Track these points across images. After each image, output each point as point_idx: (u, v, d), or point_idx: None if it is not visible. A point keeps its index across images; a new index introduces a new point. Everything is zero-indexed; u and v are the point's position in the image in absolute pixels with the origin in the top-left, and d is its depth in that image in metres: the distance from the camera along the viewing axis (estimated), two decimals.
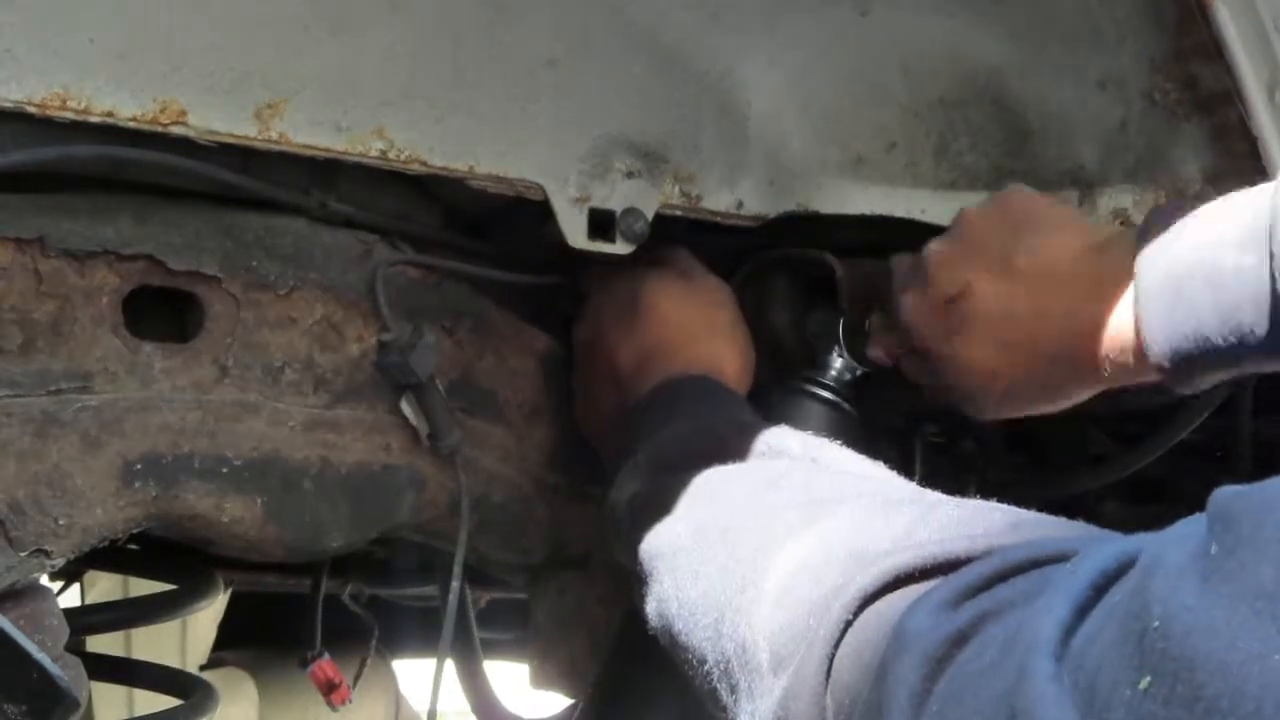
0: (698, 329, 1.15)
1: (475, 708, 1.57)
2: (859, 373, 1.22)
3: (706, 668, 0.82)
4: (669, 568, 0.90)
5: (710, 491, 0.93)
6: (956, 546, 0.65)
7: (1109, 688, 0.46)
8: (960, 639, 0.57)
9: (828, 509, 0.80)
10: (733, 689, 0.78)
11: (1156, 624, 0.44)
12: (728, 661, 0.79)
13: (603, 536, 1.08)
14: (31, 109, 0.92)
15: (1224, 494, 0.47)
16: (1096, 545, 0.54)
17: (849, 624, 0.66)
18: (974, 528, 0.68)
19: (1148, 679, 0.44)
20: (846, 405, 1.20)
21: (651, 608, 0.93)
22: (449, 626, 1.15)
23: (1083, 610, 0.51)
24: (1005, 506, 0.72)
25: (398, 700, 2.25)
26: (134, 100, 0.95)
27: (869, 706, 0.61)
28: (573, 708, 1.33)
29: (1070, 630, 0.50)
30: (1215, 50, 0.93)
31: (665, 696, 1.14)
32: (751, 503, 0.88)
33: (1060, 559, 0.57)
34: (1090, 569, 0.52)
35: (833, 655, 0.66)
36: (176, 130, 0.97)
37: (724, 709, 0.80)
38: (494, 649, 1.88)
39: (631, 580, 0.99)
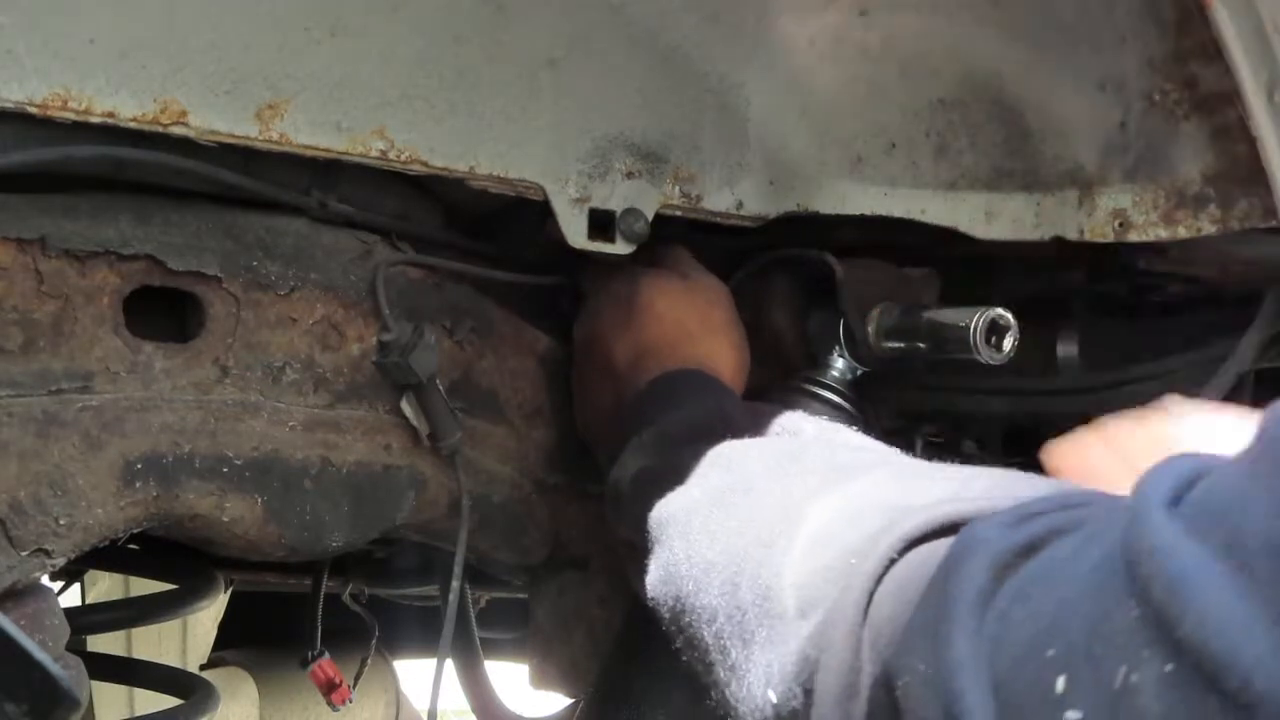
0: (693, 327, 1.15)
1: (475, 708, 1.58)
2: (859, 373, 1.22)
3: (716, 625, 0.81)
4: (681, 531, 0.89)
5: (726, 461, 0.92)
6: (1004, 504, 0.63)
7: (1239, 508, 0.44)
8: (1030, 549, 0.55)
9: (859, 471, 0.79)
10: (745, 641, 0.77)
11: None
12: (743, 613, 0.78)
13: (609, 536, 1.08)
14: (33, 109, 0.92)
15: None
16: (1175, 459, 0.52)
17: (893, 561, 0.64)
18: (1019, 491, 0.66)
19: None
20: (847, 405, 1.20)
21: (655, 575, 0.92)
22: (449, 626, 1.15)
23: (1184, 487, 0.49)
24: (1050, 479, 0.71)
25: (398, 700, 2.25)
26: (135, 101, 0.95)
27: (922, 609, 0.59)
28: (573, 708, 1.34)
29: (1175, 501, 0.48)
30: (1215, 50, 0.93)
31: (665, 696, 1.14)
32: (773, 469, 0.87)
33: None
34: (1181, 468, 0.51)
35: (873, 590, 0.64)
36: (177, 130, 0.97)
37: (730, 667, 0.79)
38: (494, 649, 1.88)
39: (629, 557, 0.98)
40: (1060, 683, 0.48)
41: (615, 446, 1.07)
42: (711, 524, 0.86)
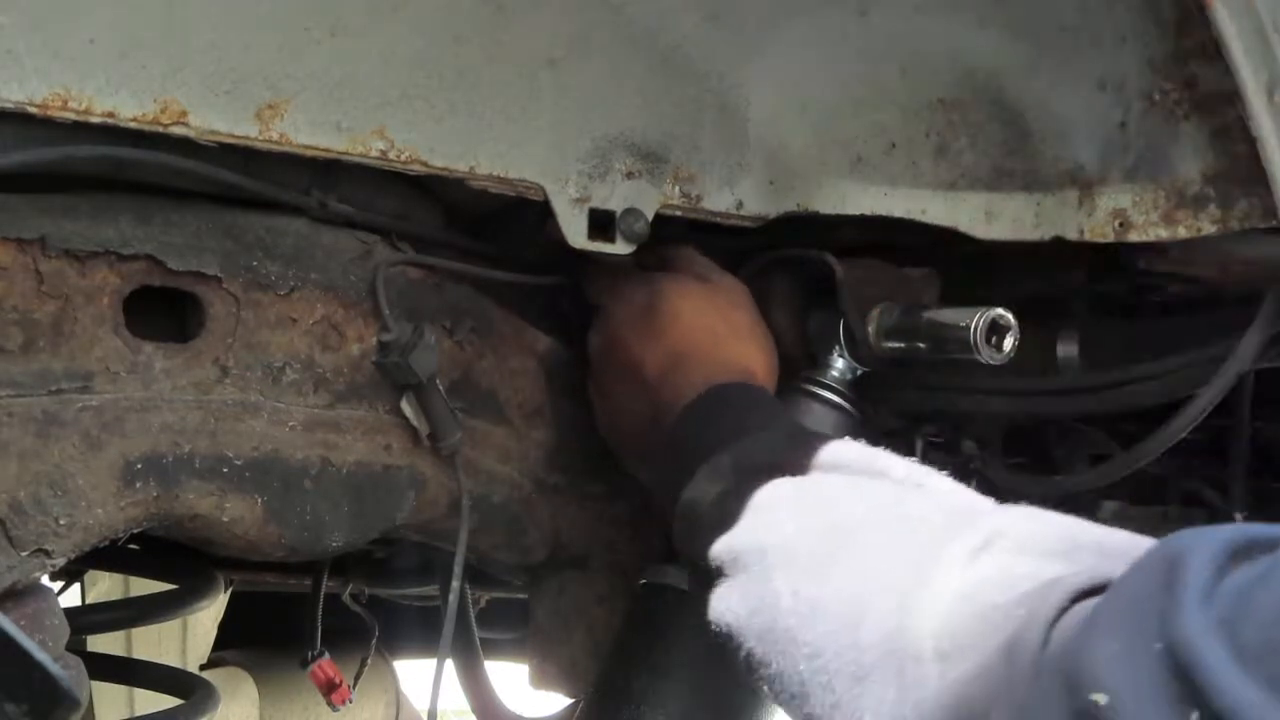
0: (721, 331, 1.14)
1: (475, 708, 1.58)
2: (859, 373, 1.22)
3: (820, 661, 0.81)
4: (781, 564, 0.88)
5: (821, 499, 0.92)
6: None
7: None
8: (1239, 555, 0.57)
9: (986, 517, 0.79)
10: (858, 679, 0.77)
11: None
12: (862, 652, 0.78)
13: (609, 537, 1.07)
14: (33, 109, 0.92)
15: None
16: None
17: (1065, 609, 0.65)
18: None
19: None
20: (848, 405, 1.20)
21: (741, 604, 0.91)
22: (449, 626, 1.15)
23: None
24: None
25: (398, 700, 2.25)
26: (135, 101, 0.95)
27: (1132, 602, 0.59)
28: (573, 708, 1.34)
29: None
30: (1215, 51, 0.93)
31: (665, 696, 1.14)
32: (882, 512, 0.87)
33: None
34: None
35: (1048, 634, 0.64)
36: (177, 131, 0.97)
37: (833, 705, 0.79)
38: (494, 649, 1.88)
39: (697, 578, 0.98)
40: None
41: (660, 460, 1.06)
42: (820, 562, 0.86)
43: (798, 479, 0.94)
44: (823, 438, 0.99)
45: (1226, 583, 0.56)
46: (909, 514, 0.85)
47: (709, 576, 0.95)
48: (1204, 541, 0.59)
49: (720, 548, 0.94)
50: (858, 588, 0.82)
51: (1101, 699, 0.56)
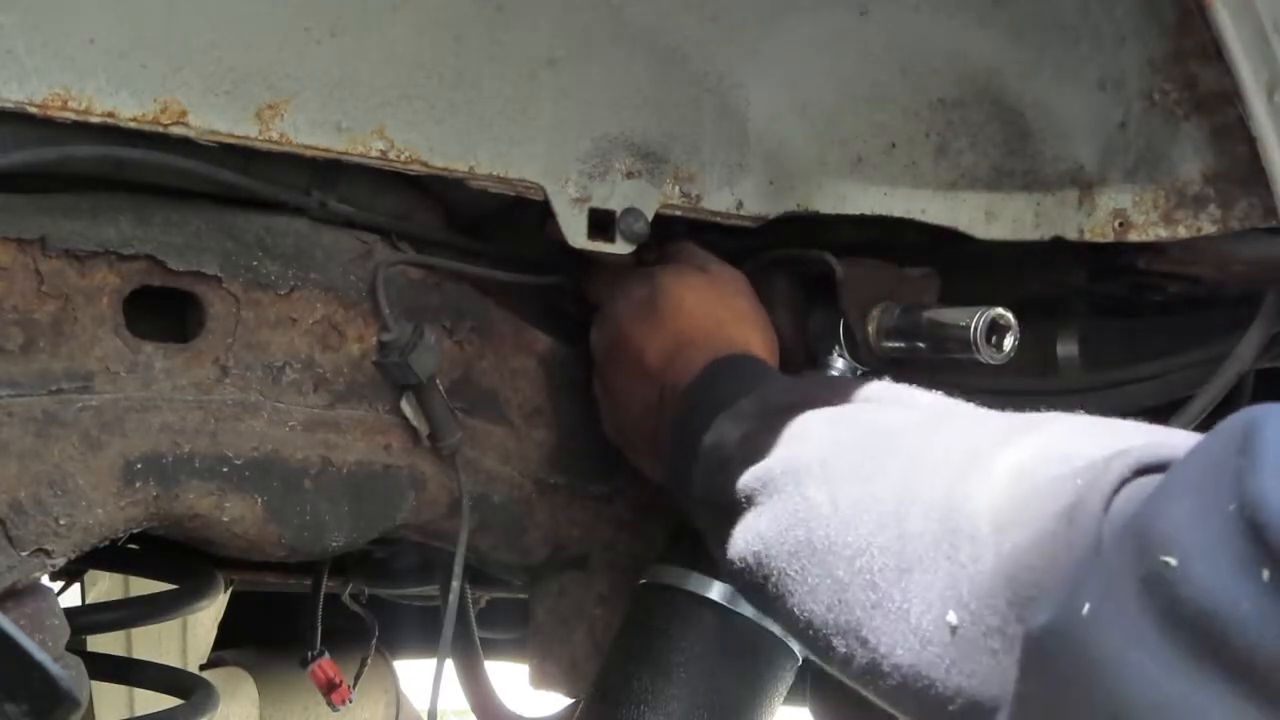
0: (724, 317, 1.14)
1: (475, 708, 1.58)
2: (859, 373, 1.22)
3: (862, 561, 0.78)
4: (817, 478, 0.86)
5: (851, 418, 0.89)
6: None
7: None
8: None
9: (1041, 422, 0.76)
10: (903, 570, 0.74)
11: None
12: (906, 542, 0.75)
13: (609, 537, 1.06)
14: (32, 109, 0.92)
15: None
16: None
17: (1126, 480, 0.62)
18: None
19: None
20: None
21: (767, 526, 0.88)
22: (449, 626, 1.15)
23: None
24: None
25: (398, 700, 2.25)
26: (135, 100, 0.95)
27: (1206, 483, 0.56)
28: (573, 708, 1.34)
29: None
30: (1215, 51, 0.93)
31: (665, 696, 1.14)
32: (923, 423, 0.84)
33: None
34: None
35: (1110, 499, 0.61)
36: (177, 130, 0.97)
37: (873, 605, 0.76)
38: (494, 649, 1.88)
39: (717, 519, 0.95)
40: None
41: (668, 440, 1.06)
42: (862, 467, 0.83)
43: (827, 409, 0.91)
44: (845, 379, 0.97)
45: None
46: (951, 422, 0.83)
47: (733, 513, 0.93)
48: (1272, 415, 0.55)
49: (748, 478, 0.92)
50: (902, 485, 0.78)
51: (1172, 560, 0.54)
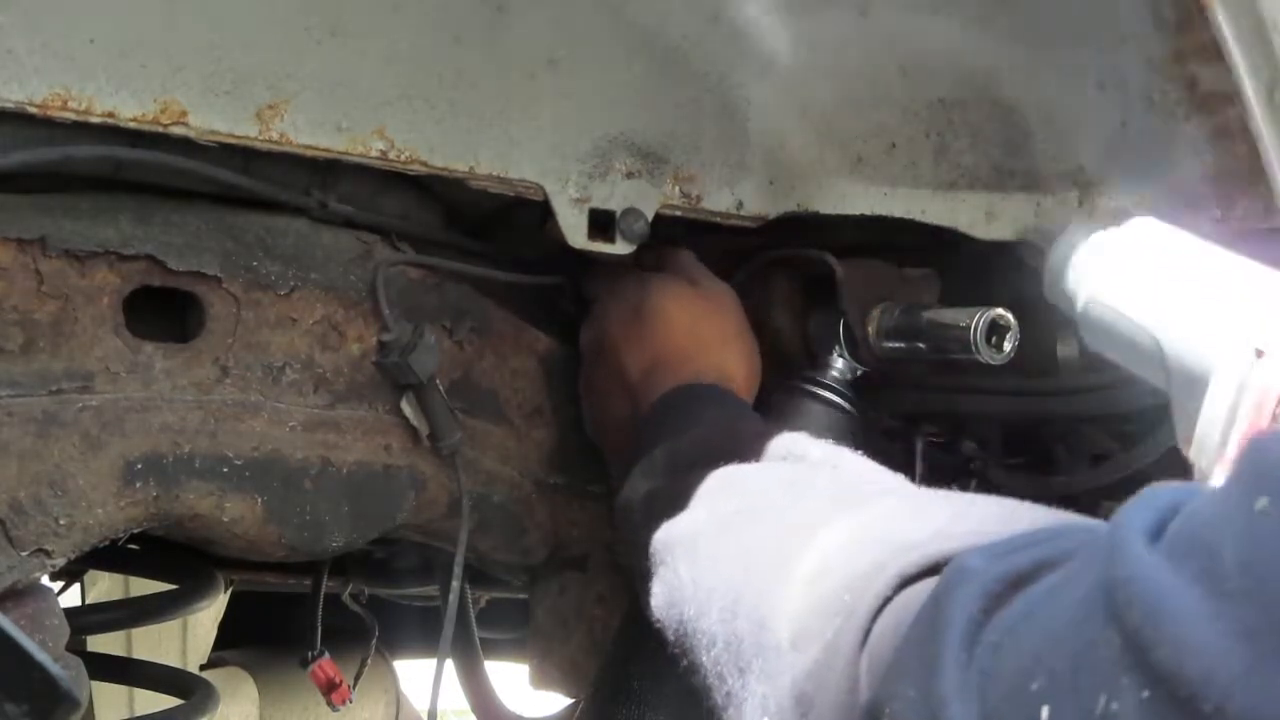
0: (707, 336, 1.15)
1: (475, 708, 1.58)
2: (860, 372, 1.22)
3: (715, 652, 0.81)
4: (686, 554, 0.90)
5: (733, 486, 0.93)
6: (998, 537, 0.63)
7: (1216, 530, 0.44)
8: (1019, 580, 0.55)
9: (859, 504, 0.79)
10: (741, 671, 0.77)
11: (1276, 456, 0.44)
12: (740, 642, 0.78)
13: (609, 537, 1.09)
14: (33, 109, 0.92)
15: None
16: (1155, 489, 0.53)
17: (888, 600, 0.64)
18: (1014, 524, 0.66)
19: (1265, 500, 0.43)
20: (847, 405, 1.20)
21: (660, 597, 0.92)
22: (449, 626, 1.15)
23: (1164, 521, 0.49)
24: (1045, 507, 0.71)
25: (398, 700, 2.25)
26: (135, 101, 0.95)
27: (911, 641, 0.59)
28: (573, 708, 1.34)
29: (1156, 532, 0.48)
30: (1215, 50, 0.93)
31: (665, 696, 1.14)
32: (778, 497, 0.87)
33: None
34: (1162, 498, 0.51)
35: (869, 628, 0.64)
36: (177, 131, 0.97)
37: (727, 694, 0.79)
38: (494, 649, 1.88)
39: (637, 576, 0.99)
40: (1044, 714, 0.48)
41: (628, 458, 1.07)
42: (716, 549, 0.87)
43: (724, 468, 0.94)
44: (750, 427, 1.00)
45: (994, 622, 0.54)
46: (804, 497, 0.86)
47: (646, 574, 0.96)
48: (975, 572, 0.57)
49: (651, 545, 0.95)
50: (738, 575, 0.82)
51: None
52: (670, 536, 0.93)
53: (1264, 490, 0.43)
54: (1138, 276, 0.89)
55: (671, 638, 0.91)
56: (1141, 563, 0.46)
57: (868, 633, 0.64)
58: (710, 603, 0.84)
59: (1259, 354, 0.75)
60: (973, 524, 0.69)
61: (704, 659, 0.84)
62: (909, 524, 0.72)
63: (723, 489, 0.93)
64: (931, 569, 0.64)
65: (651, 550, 0.95)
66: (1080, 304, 0.94)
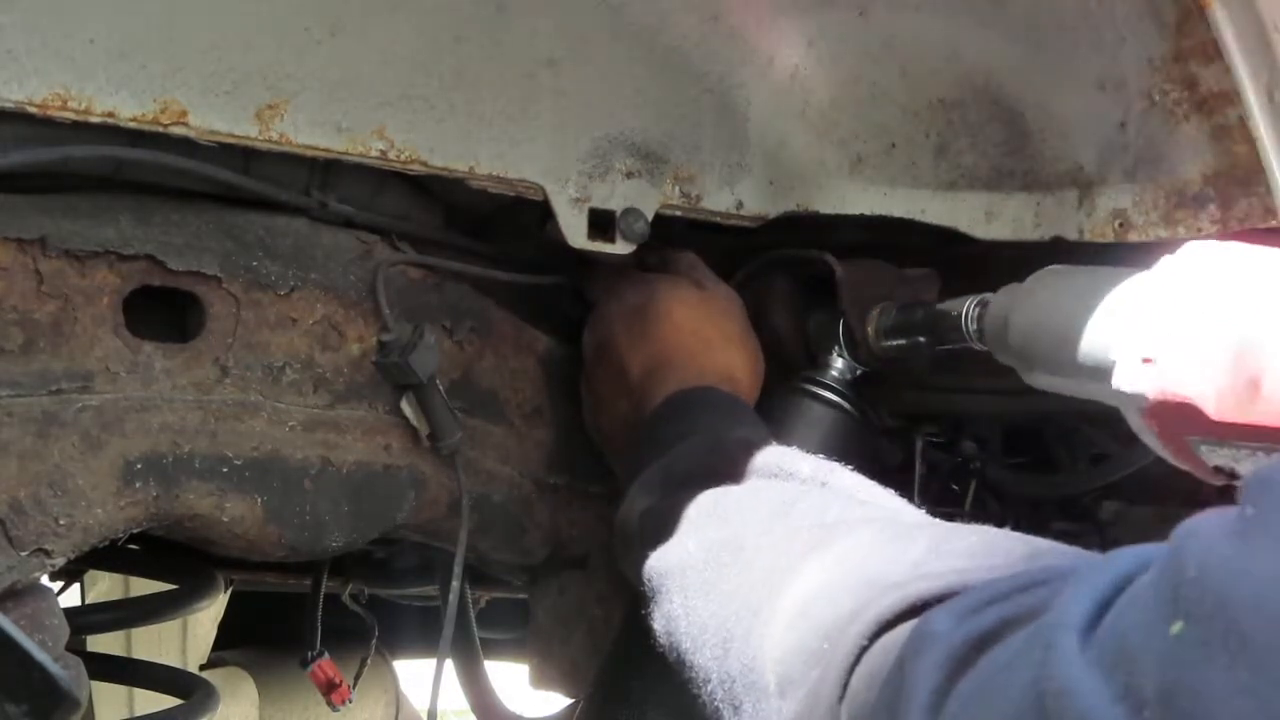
0: (711, 337, 1.15)
1: (475, 708, 1.58)
2: (859, 372, 1.22)
3: (710, 687, 0.82)
4: (679, 585, 0.90)
5: (722, 512, 0.93)
6: (975, 577, 0.65)
7: (1138, 643, 0.45)
8: (982, 643, 0.56)
9: (840, 535, 0.80)
10: (735, 709, 0.79)
11: (1193, 574, 0.44)
12: (732, 682, 0.79)
13: (613, 550, 1.09)
14: (32, 109, 0.92)
15: (1263, 469, 0.48)
16: (1117, 554, 0.54)
17: (865, 649, 0.66)
18: (992, 558, 0.68)
19: (1180, 624, 0.43)
20: (847, 405, 1.20)
21: (660, 625, 0.93)
22: (449, 626, 1.15)
23: (1105, 604, 0.50)
24: (1022, 535, 0.72)
25: (398, 700, 2.25)
26: (135, 100, 0.95)
27: (880, 708, 0.60)
28: (573, 707, 1.34)
29: (1094, 619, 0.50)
30: (1215, 51, 0.93)
31: (665, 696, 1.14)
32: (765, 525, 0.88)
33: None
34: (1113, 569, 0.52)
35: (848, 679, 0.66)
36: (177, 130, 0.97)
37: None
38: (494, 649, 1.88)
39: (640, 597, 0.99)
40: None
41: (630, 464, 1.07)
42: (706, 583, 0.88)
43: (713, 491, 0.95)
44: (742, 442, 1.00)
45: (958, 688, 0.55)
46: (791, 526, 0.86)
47: (645, 599, 0.96)
48: (940, 637, 0.58)
49: (647, 569, 0.96)
50: (727, 613, 0.83)
51: None
52: (662, 566, 0.93)
53: (1178, 613, 0.44)
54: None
55: (673, 665, 0.91)
56: (1070, 673, 0.48)
57: (846, 685, 0.66)
58: (703, 639, 0.85)
59: (1145, 361, 0.81)
60: (951, 560, 0.69)
61: (701, 693, 0.85)
62: (886, 562, 0.73)
63: (712, 516, 0.93)
64: (909, 611, 0.65)
65: (647, 576, 0.95)
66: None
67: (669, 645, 0.91)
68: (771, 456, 0.96)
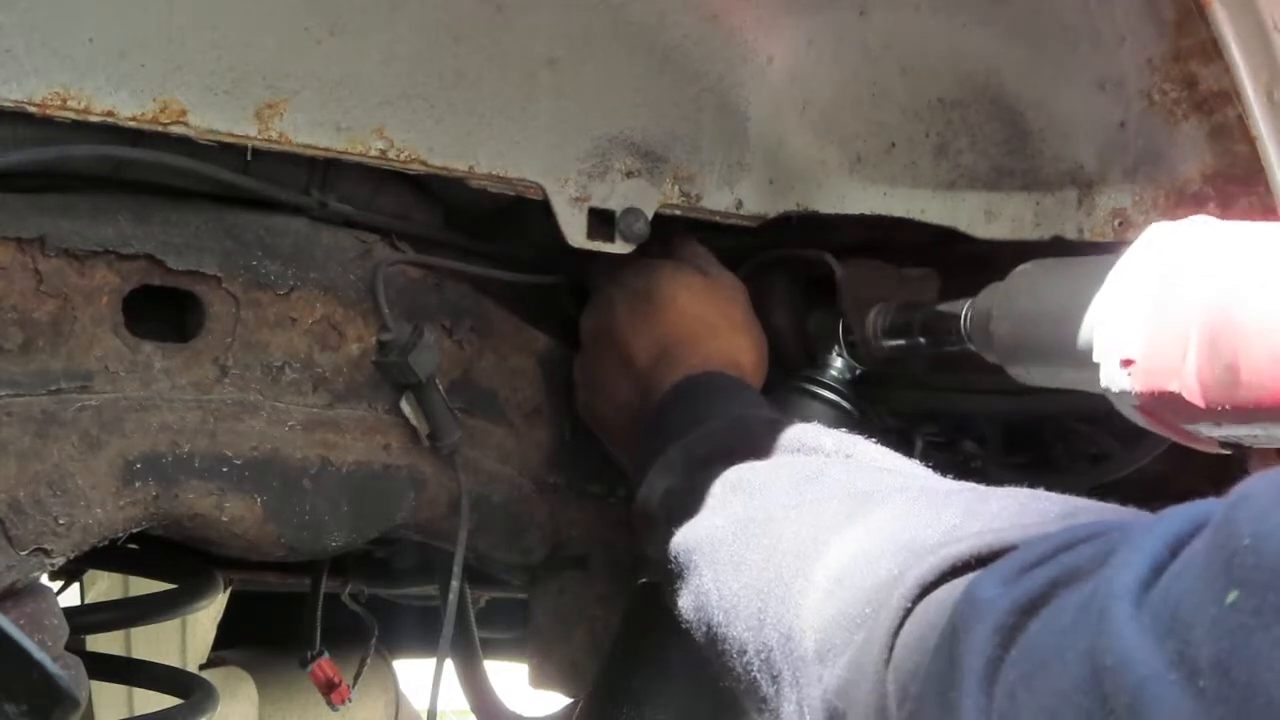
0: (716, 323, 1.15)
1: (475, 708, 1.58)
2: (859, 372, 1.22)
3: (746, 658, 0.82)
4: (708, 560, 0.90)
5: (748, 486, 0.92)
6: (1012, 535, 0.64)
7: (1192, 611, 0.45)
8: (1032, 607, 0.56)
9: (874, 502, 0.80)
10: (774, 679, 0.78)
11: (1247, 541, 0.44)
12: (769, 651, 0.79)
13: (609, 537, 1.08)
14: (32, 109, 0.92)
15: None
16: (1168, 513, 0.53)
17: (908, 611, 0.65)
18: (1026, 517, 0.67)
19: (1235, 593, 0.43)
20: (847, 405, 1.20)
21: (687, 601, 0.92)
22: (449, 626, 1.15)
23: (1159, 568, 0.50)
24: (1057, 495, 0.71)
25: (398, 700, 2.25)
26: (134, 100, 0.95)
27: (933, 677, 0.59)
28: (572, 707, 1.33)
29: (1148, 583, 0.49)
30: (1214, 50, 0.93)
31: (665, 695, 1.14)
32: (793, 496, 0.87)
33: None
34: (1165, 531, 0.51)
35: (893, 643, 0.65)
36: (177, 130, 0.97)
37: (763, 700, 0.80)
38: (494, 649, 1.88)
39: (663, 577, 0.99)
40: None
41: (642, 450, 1.07)
42: (736, 555, 0.87)
43: (737, 467, 0.94)
44: (762, 420, 1.00)
45: (1012, 656, 0.55)
46: (821, 495, 0.86)
47: (671, 576, 0.96)
48: (988, 604, 0.58)
49: (671, 548, 0.95)
50: (762, 582, 0.83)
51: None
52: (690, 542, 0.93)
53: (1234, 582, 0.44)
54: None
55: (701, 641, 0.91)
56: (1126, 644, 0.47)
57: (891, 649, 0.65)
58: (737, 611, 0.84)
59: (1125, 363, 0.82)
60: (986, 520, 0.69)
61: (736, 665, 0.84)
62: (923, 526, 0.72)
63: (737, 491, 0.93)
64: (950, 572, 0.64)
65: (673, 554, 0.95)
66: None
67: (698, 620, 0.91)
68: (794, 433, 0.96)
